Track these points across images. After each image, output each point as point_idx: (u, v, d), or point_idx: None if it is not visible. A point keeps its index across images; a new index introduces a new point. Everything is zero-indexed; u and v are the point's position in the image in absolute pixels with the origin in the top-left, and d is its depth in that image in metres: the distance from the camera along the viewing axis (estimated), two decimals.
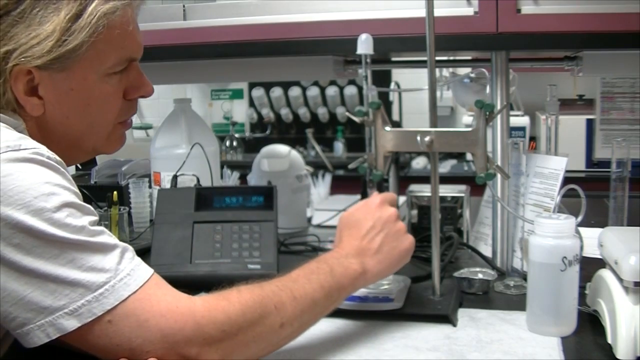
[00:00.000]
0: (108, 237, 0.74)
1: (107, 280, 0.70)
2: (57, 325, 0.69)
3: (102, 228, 0.74)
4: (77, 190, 0.75)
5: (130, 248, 0.76)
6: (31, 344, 0.69)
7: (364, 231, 0.96)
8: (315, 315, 0.86)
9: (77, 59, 0.80)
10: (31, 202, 0.69)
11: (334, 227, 1.67)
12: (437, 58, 1.05)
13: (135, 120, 3.19)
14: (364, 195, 1.08)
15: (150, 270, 0.75)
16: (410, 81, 3.21)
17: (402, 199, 1.49)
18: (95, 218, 0.75)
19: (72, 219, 0.71)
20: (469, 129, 1.01)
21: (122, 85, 0.88)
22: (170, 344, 0.71)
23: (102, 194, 1.54)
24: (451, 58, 1.83)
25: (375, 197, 1.01)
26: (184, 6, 1.40)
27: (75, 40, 0.78)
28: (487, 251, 1.35)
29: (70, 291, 0.69)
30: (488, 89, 1.31)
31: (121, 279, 0.71)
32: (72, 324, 0.69)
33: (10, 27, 0.77)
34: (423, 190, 1.48)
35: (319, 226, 1.73)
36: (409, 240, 0.99)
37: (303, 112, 3.83)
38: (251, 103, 3.92)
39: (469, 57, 1.61)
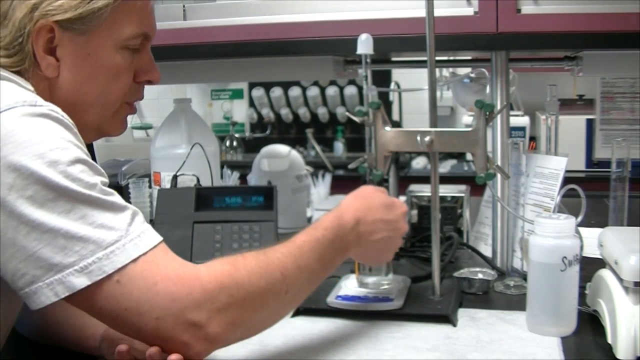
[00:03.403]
0: (119, 199, 0.74)
1: (118, 239, 0.70)
2: (66, 283, 0.68)
3: (112, 190, 0.74)
4: (88, 153, 0.75)
5: (141, 213, 0.76)
6: (38, 304, 0.69)
7: (378, 217, 0.95)
8: (313, 285, 0.87)
9: (98, 23, 0.81)
10: (46, 153, 0.69)
11: None
12: (437, 58, 1.05)
13: (136, 120, 3.19)
14: None
15: (159, 237, 0.75)
16: (410, 81, 3.20)
17: (402, 199, 1.49)
18: (106, 180, 0.75)
19: (86, 175, 0.71)
20: (469, 129, 1.01)
21: (134, 65, 0.88)
22: (180, 310, 0.71)
23: None
24: (451, 58, 1.83)
25: (404, 205, 1.01)
26: (184, 6, 1.40)
27: (101, 0, 0.81)
28: (487, 251, 1.35)
29: (81, 247, 0.68)
30: (488, 89, 1.31)
31: (132, 239, 0.71)
32: (81, 282, 0.68)
33: None
34: (423, 190, 1.48)
35: None
36: (400, 243, 1.01)
37: (303, 112, 3.83)
38: (251, 103, 3.92)
39: (469, 57, 1.61)
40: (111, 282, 0.69)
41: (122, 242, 0.70)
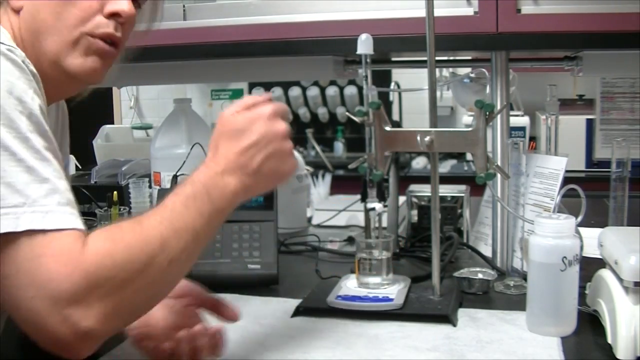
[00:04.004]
0: (49, 170, 0.68)
1: (18, 204, 0.65)
2: None
3: (51, 158, 0.69)
4: (43, 104, 0.72)
5: (68, 197, 0.69)
6: None
7: (246, 145, 0.81)
8: (199, 244, 0.77)
9: None
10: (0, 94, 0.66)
11: (334, 227, 1.70)
12: (437, 58, 1.05)
13: (136, 120, 3.19)
14: (364, 195, 1.08)
15: (78, 224, 0.68)
16: (410, 81, 3.20)
17: (402, 199, 1.49)
18: (52, 146, 0.71)
19: (26, 130, 0.67)
20: (469, 129, 1.01)
21: None
22: (58, 293, 0.64)
23: (102, 194, 1.54)
24: (451, 58, 1.83)
25: (267, 107, 0.84)
26: (184, 6, 1.40)
27: None
28: (487, 251, 1.35)
29: None
30: (488, 89, 1.31)
31: (34, 211, 0.65)
32: None
33: None
34: (423, 190, 1.48)
35: (319, 226, 1.73)
36: (292, 163, 0.86)
37: (303, 112, 3.83)
38: None
39: (469, 57, 1.61)
40: None
41: (22, 210, 0.65)
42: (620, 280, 0.86)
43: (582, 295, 0.99)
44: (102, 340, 0.68)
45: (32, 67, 0.73)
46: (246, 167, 0.81)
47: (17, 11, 0.84)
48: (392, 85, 3.29)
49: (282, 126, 0.84)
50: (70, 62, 0.84)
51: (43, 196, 0.66)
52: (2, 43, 0.71)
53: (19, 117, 0.68)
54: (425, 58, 1.04)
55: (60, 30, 0.83)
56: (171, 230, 0.73)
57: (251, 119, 0.82)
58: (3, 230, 0.64)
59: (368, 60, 1.05)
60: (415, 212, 1.48)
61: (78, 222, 0.69)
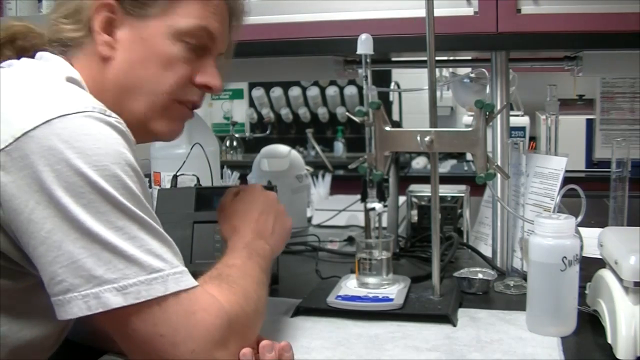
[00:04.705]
0: (162, 229, 0.73)
1: (163, 268, 0.70)
2: (102, 299, 0.67)
3: (159, 221, 0.74)
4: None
5: (177, 250, 0.75)
6: (69, 314, 0.67)
7: (257, 215, 0.95)
8: (265, 298, 0.87)
9: (157, 9, 0.83)
10: (109, 166, 0.68)
11: (334, 227, 1.70)
12: (437, 58, 1.05)
13: None
14: (364, 195, 1.08)
15: (195, 280, 0.75)
16: (410, 81, 3.19)
17: (402, 199, 1.49)
18: (153, 208, 0.76)
19: (144, 199, 0.71)
20: (469, 129, 1.01)
21: (194, 64, 0.87)
22: (214, 343, 0.72)
23: None
24: (451, 58, 1.83)
25: (253, 185, 1.02)
26: None
27: None
28: (487, 251, 1.35)
29: (125, 267, 0.67)
30: (488, 89, 1.31)
31: (175, 273, 0.71)
32: (117, 301, 0.67)
33: None
34: (423, 190, 1.48)
35: (319, 226, 1.73)
36: (290, 220, 1.01)
37: (303, 112, 3.83)
38: (251, 103, 3.92)
39: (469, 57, 1.61)
40: (150, 306, 0.69)
41: (167, 272, 0.70)
42: (620, 280, 0.86)
43: (582, 295, 0.99)
44: None
45: (124, 127, 0.74)
46: (264, 232, 0.94)
47: (103, 59, 0.83)
48: (392, 85, 3.29)
49: (273, 194, 1.00)
50: (156, 125, 0.88)
51: (172, 257, 0.72)
52: (110, 115, 0.72)
53: (134, 184, 0.71)
54: (425, 58, 1.04)
55: (154, 93, 0.85)
56: (252, 282, 0.84)
57: (250, 196, 0.97)
58: (157, 295, 0.69)
59: (368, 60, 1.05)
60: (415, 212, 1.48)
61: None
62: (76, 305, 0.67)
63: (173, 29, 0.84)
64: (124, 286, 0.67)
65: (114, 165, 0.68)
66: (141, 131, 0.86)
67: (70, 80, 0.78)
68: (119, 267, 0.67)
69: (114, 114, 0.73)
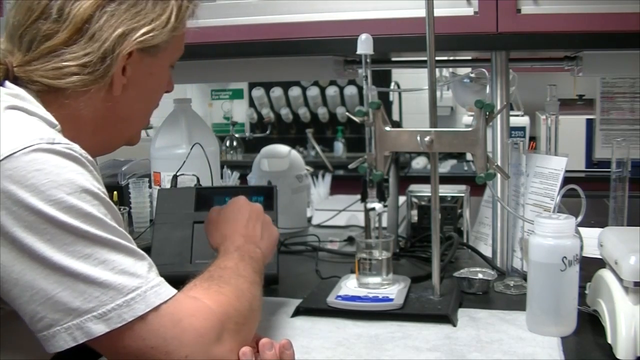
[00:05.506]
0: (133, 244, 0.73)
1: (139, 285, 0.69)
2: (84, 329, 0.67)
3: (129, 236, 0.73)
4: (106, 192, 0.74)
5: (150, 261, 0.75)
6: (57, 348, 0.67)
7: (244, 221, 0.97)
8: (260, 297, 0.88)
9: (166, 46, 0.86)
10: (63, 198, 0.67)
11: (334, 227, 1.70)
12: (437, 58, 1.05)
13: None
14: (364, 195, 1.08)
15: (172, 288, 0.75)
16: (410, 81, 3.20)
17: (402, 199, 1.49)
18: (122, 224, 0.75)
19: (107, 219, 0.70)
20: (469, 129, 1.01)
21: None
22: (207, 345, 0.72)
23: None
24: (451, 58, 1.83)
25: (240, 196, 1.03)
26: None
27: (182, 27, 0.86)
28: (487, 251, 1.35)
29: (101, 293, 0.67)
30: (488, 89, 1.31)
31: (152, 287, 0.70)
32: (100, 329, 0.67)
33: (132, 8, 0.81)
34: (423, 190, 1.48)
35: (319, 226, 1.73)
36: (276, 230, 1.03)
37: (303, 112, 3.83)
38: (251, 103, 3.92)
39: (469, 57, 1.61)
40: (135, 324, 0.68)
41: (144, 289, 0.69)
42: (620, 280, 0.86)
43: (582, 295, 0.99)
44: None
45: (88, 157, 0.74)
46: (254, 237, 0.96)
47: (109, 98, 0.83)
48: (392, 85, 3.29)
49: (258, 205, 1.02)
50: (136, 138, 0.93)
51: (147, 271, 0.71)
52: (59, 143, 0.71)
53: (94, 208, 0.70)
54: (425, 58, 1.04)
55: (145, 115, 0.92)
56: (245, 282, 0.85)
57: (236, 206, 1.00)
58: (139, 314, 0.69)
59: (368, 60, 1.05)
60: (415, 212, 1.48)
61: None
62: (61, 338, 0.67)
63: (172, 61, 0.90)
64: (104, 313, 0.67)
65: (68, 197, 0.68)
66: (119, 145, 0.91)
67: (12, 107, 0.73)
68: (95, 295, 0.67)
69: (63, 140, 0.71)
